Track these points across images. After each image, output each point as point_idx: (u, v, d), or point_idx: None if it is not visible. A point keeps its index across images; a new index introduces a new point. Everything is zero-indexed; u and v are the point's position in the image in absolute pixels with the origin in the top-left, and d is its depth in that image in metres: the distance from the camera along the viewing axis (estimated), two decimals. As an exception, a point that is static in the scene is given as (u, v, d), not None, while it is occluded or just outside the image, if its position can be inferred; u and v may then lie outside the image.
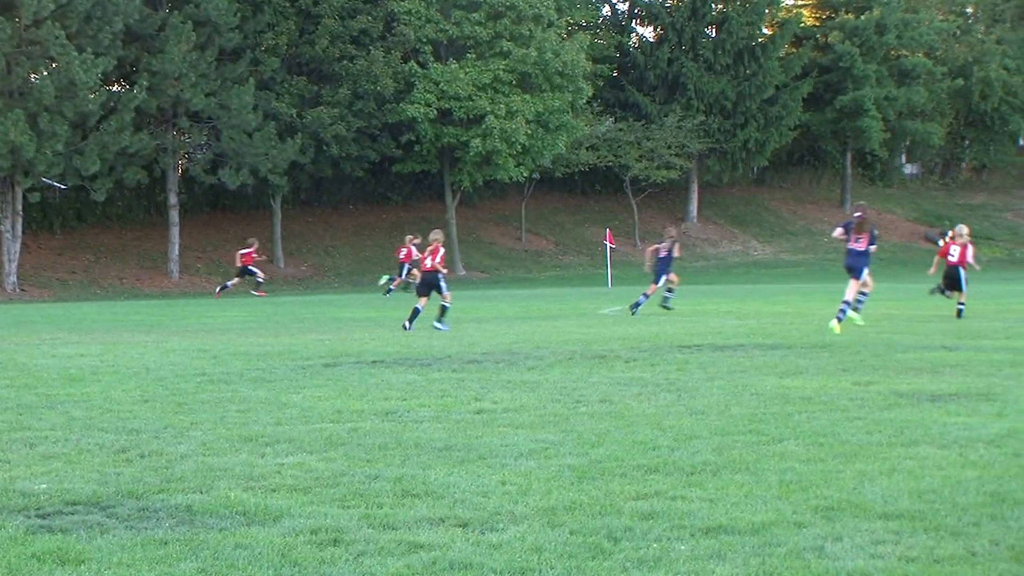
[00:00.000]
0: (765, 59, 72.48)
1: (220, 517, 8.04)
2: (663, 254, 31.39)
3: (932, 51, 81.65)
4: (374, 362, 18.11)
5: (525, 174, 62.91)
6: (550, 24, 62.80)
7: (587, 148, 67.82)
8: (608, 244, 56.03)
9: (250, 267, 47.41)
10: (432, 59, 61.23)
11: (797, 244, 75.53)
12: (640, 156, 68.89)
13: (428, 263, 26.12)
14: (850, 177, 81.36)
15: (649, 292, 31.32)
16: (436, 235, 26.46)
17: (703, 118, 70.71)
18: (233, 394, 14.36)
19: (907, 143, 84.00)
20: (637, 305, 30.46)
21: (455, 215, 64.88)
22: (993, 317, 26.66)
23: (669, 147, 68.94)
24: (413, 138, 61.05)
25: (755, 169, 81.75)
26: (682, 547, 7.14)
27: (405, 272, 45.42)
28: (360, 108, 60.78)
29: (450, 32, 60.48)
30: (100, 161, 52.24)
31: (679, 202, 76.85)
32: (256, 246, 48.29)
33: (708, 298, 39.44)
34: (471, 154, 59.87)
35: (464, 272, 64.00)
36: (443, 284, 25.92)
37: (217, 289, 49.48)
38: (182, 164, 62.24)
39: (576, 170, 69.30)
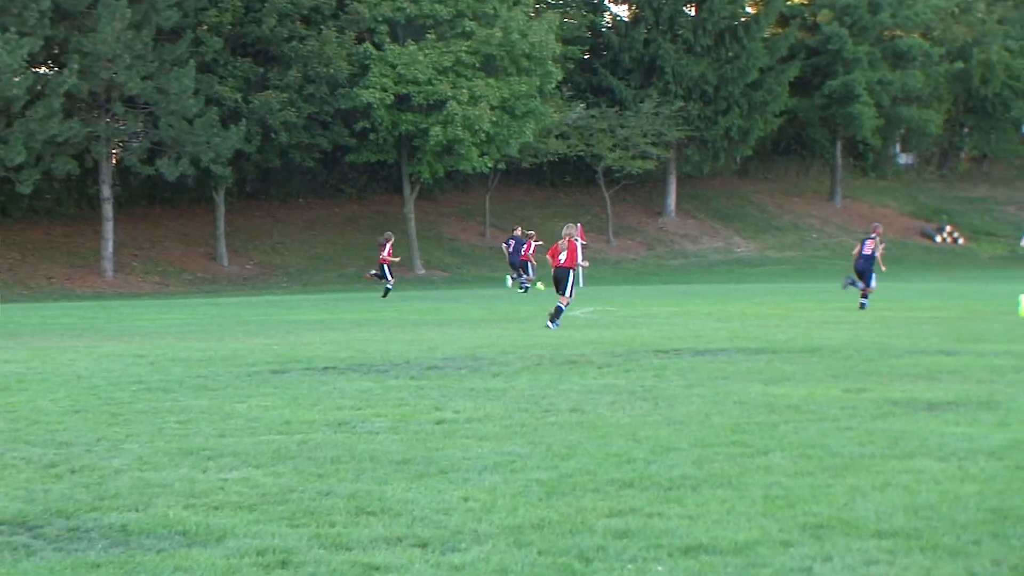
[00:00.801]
0: (749, 40, 72.65)
1: (158, 537, 8.01)
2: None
3: (929, 31, 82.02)
4: (326, 368, 18.08)
5: (489, 165, 62.90)
6: (516, 2, 62.83)
7: (557, 136, 67.87)
8: (579, 240, 56.08)
9: (384, 267, 46.41)
10: (389, 40, 61.14)
11: (783, 240, 75.79)
12: (614, 145, 68.98)
13: (563, 258, 27.19)
14: (840, 168, 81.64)
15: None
16: (570, 229, 27.89)
17: (682, 104, 70.83)
18: (172, 403, 14.32)
19: (902, 131, 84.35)
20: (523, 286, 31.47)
21: (414, 209, 64.81)
22: (994, 319, 26.81)
23: (645, 135, 69.03)
24: (368, 125, 60.95)
25: (738, 159, 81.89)
26: (659, 568, 7.15)
27: (530, 269, 47.32)
28: (311, 93, 60.67)
29: (408, 11, 60.40)
30: (26, 151, 52.01)
31: (656, 195, 76.99)
32: (391, 241, 47.32)
33: (688, 299, 39.54)
34: (431, 143, 59.81)
35: (424, 271, 63.97)
36: (570, 284, 27.09)
37: (371, 272, 47.71)
38: (116, 154, 61.97)
39: (545, 160, 69.34)
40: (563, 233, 27.91)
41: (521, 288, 43.40)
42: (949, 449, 10.57)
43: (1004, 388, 14.60)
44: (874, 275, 31.94)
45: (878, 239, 32.37)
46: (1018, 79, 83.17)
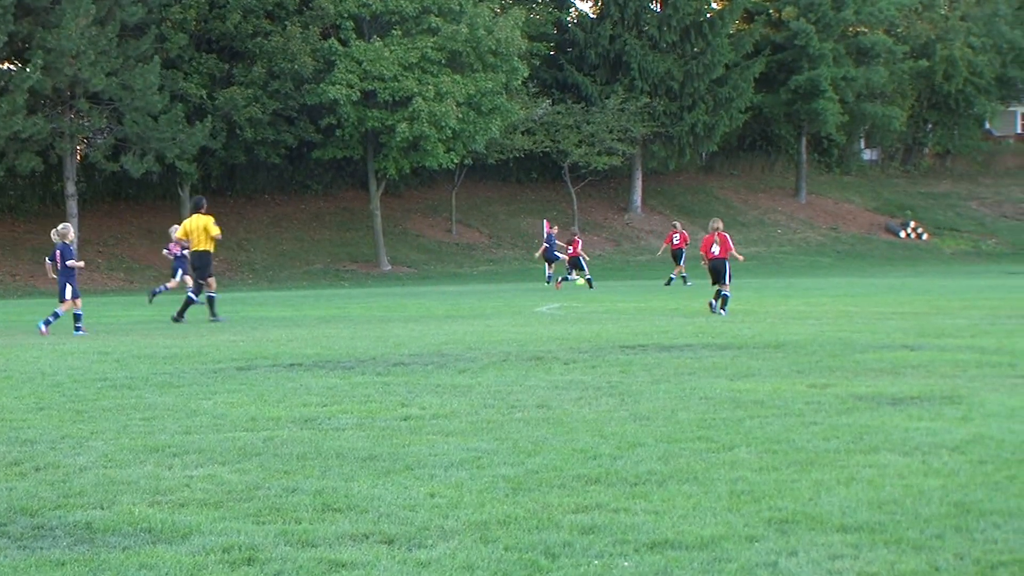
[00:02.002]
0: (714, 36, 72.80)
1: (123, 535, 7.98)
2: None
3: (893, 28, 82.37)
4: (292, 365, 18.05)
5: (456, 161, 62.87)
6: (482, -2, 62.85)
7: (523, 132, 67.89)
8: (546, 234, 56.04)
9: (579, 258, 47.48)
10: (354, 36, 61.05)
11: (749, 236, 75.92)
12: (580, 141, 69.03)
13: (716, 250, 28.94)
14: (805, 163, 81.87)
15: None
16: (717, 223, 29.70)
17: (647, 100, 70.93)
18: (137, 400, 14.27)
19: (866, 127, 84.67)
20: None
21: (379, 205, 64.71)
22: (958, 314, 26.93)
23: (611, 131, 69.11)
24: (334, 121, 60.83)
25: (703, 155, 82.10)
26: (625, 564, 7.16)
27: (583, 265, 47.35)
28: (276, 89, 60.53)
29: (373, 7, 60.32)
30: (-11, 147, 51.70)
31: (622, 191, 77.09)
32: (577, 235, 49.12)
33: (654, 295, 39.60)
34: (397, 139, 59.73)
35: (390, 267, 63.89)
36: (728, 273, 28.74)
37: (559, 280, 47.58)
38: (81, 150, 61.68)
39: (511, 156, 69.34)
40: (711, 227, 29.51)
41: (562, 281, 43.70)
42: (913, 444, 10.61)
43: (967, 383, 14.67)
44: None
45: None
46: (980, 76, 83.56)
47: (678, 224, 49.59)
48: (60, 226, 26.96)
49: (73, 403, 14.13)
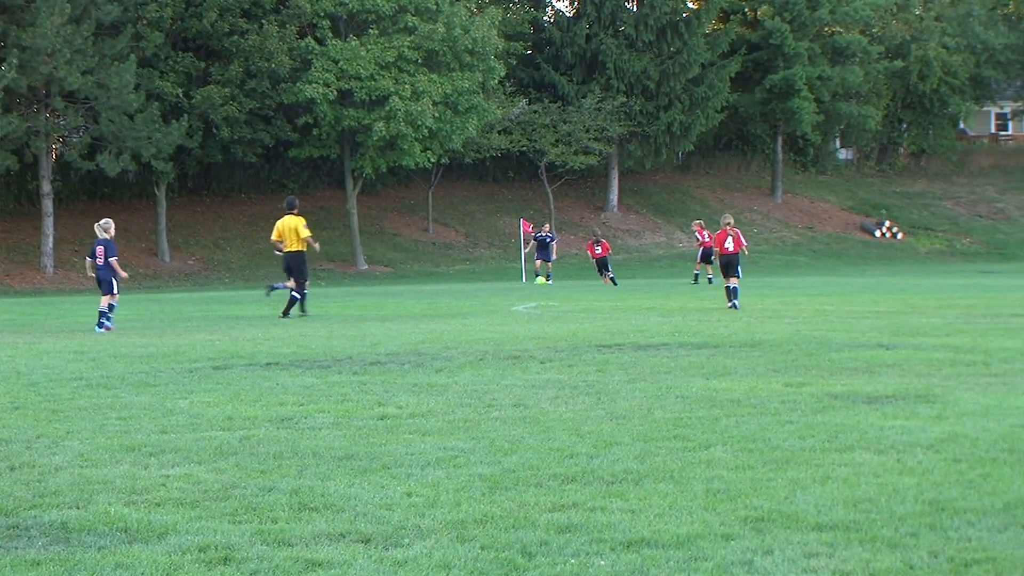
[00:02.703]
0: (690, 35, 72.90)
1: (99, 534, 7.96)
2: None
3: (868, 28, 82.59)
4: (268, 364, 18.02)
5: (432, 160, 62.85)
6: (458, -3, 62.84)
7: (499, 132, 67.88)
8: (523, 234, 56.11)
9: (605, 258, 48.49)
10: (331, 35, 60.99)
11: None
12: (556, 140, 69.05)
13: (730, 246, 30.68)
14: (781, 163, 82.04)
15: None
16: (728, 218, 31.91)
17: (624, 99, 70.98)
18: (113, 400, 14.23)
19: (841, 127, 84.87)
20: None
21: (356, 204, 64.66)
22: (932, 313, 27.02)
23: (587, 131, 69.15)
24: (311, 120, 60.77)
25: (680, 154, 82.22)
26: (602, 562, 7.16)
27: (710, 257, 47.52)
28: (253, 87, 60.44)
29: (350, 5, 60.26)
30: (-35, 146, 51.51)
31: (598, 190, 77.14)
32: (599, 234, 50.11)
33: (630, 293, 39.64)
34: (374, 138, 59.69)
35: (366, 266, 63.83)
36: (739, 267, 30.67)
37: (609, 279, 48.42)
38: (56, 149, 61.48)
39: (487, 155, 69.33)
40: (723, 223, 31.50)
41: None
42: (888, 442, 10.64)
43: (941, 382, 14.72)
44: None
45: None
46: (955, 76, 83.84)
47: (702, 222, 49.10)
48: (103, 221, 27.76)
49: (49, 402, 14.09)
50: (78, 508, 8.67)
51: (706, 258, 45.98)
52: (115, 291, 26.74)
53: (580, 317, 27.89)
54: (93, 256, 27.06)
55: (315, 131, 61.39)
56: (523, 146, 69.01)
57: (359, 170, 63.10)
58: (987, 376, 15.24)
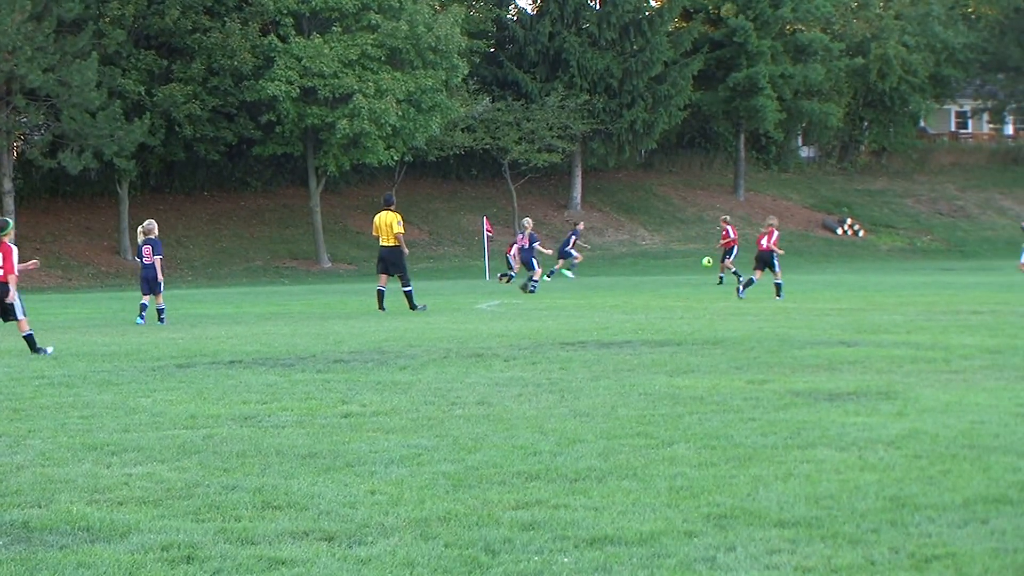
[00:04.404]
0: (653, 34, 72.97)
1: (60, 534, 7.93)
2: None
3: (829, 26, 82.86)
4: (231, 362, 17.97)
5: (396, 158, 62.77)
6: (422, -5, 62.78)
7: (463, 130, 67.83)
8: (486, 233, 56.12)
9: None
10: (294, 32, 60.83)
11: (688, 233, 76.24)
12: (520, 138, 69.05)
13: (764, 243, 33.18)
14: (744, 161, 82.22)
15: None
16: (773, 220, 34.41)
17: (587, 97, 71.03)
18: (75, 398, 14.17)
19: (804, 124, 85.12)
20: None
21: (319, 202, 64.54)
22: (893, 310, 27.14)
23: (551, 128, 69.17)
24: (274, 118, 60.61)
25: (643, 152, 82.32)
26: (565, 559, 7.17)
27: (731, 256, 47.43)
28: (215, 85, 60.26)
29: (313, 3, 60.13)
30: (-75, 143, 51.17)
31: (562, 188, 77.18)
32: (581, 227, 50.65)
33: (593, 291, 39.67)
34: (337, 136, 59.58)
35: (330, 264, 63.72)
36: (776, 263, 33.13)
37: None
38: (17, 147, 61.15)
39: (451, 153, 69.29)
40: (767, 223, 34.12)
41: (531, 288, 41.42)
42: (849, 439, 10.68)
43: (902, 378, 14.79)
44: None
45: None
46: (915, 74, 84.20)
47: (728, 218, 48.49)
48: (146, 222, 28.36)
49: (10, 401, 14.02)
50: (40, 507, 8.63)
51: (728, 255, 45.84)
52: (161, 291, 27.89)
53: (543, 315, 27.90)
54: (140, 256, 28.10)
55: (278, 129, 61.23)
56: (486, 144, 68.98)
57: (322, 168, 62.98)
58: (947, 373, 15.32)
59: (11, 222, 21.54)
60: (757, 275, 33.66)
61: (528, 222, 44.14)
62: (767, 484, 8.97)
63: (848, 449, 10.25)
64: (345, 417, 12.46)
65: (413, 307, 29.74)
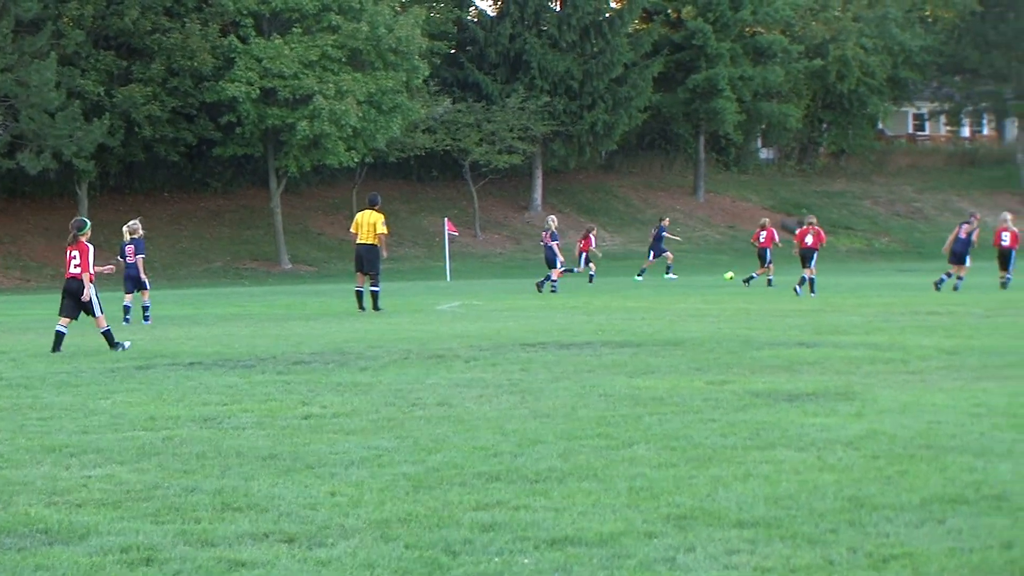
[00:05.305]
0: (613, 35, 73.08)
1: (19, 536, 7.89)
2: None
3: (789, 28, 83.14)
4: (191, 364, 17.91)
5: (356, 159, 62.67)
6: (382, -4, 62.70)
7: (423, 131, 67.76)
8: (448, 233, 56.03)
9: (586, 252, 48.24)
10: (254, 33, 60.65)
11: (648, 234, 76.23)
12: (480, 140, 69.04)
13: (808, 240, 36.41)
14: (703, 162, 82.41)
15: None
16: (811, 218, 38.04)
17: (547, 99, 71.07)
18: (34, 400, 14.09)
19: (763, 126, 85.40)
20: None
21: (280, 203, 64.36)
22: (852, 311, 27.26)
23: (511, 130, 69.20)
24: (234, 119, 60.42)
25: (603, 154, 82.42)
26: (525, 560, 7.17)
27: (584, 262, 48.20)
28: (175, 86, 60.02)
29: (273, 4, 59.96)
30: None
31: (522, 189, 77.19)
32: (594, 231, 50.06)
33: (554, 293, 39.68)
34: (298, 137, 59.44)
35: (290, 265, 63.56)
36: (814, 260, 36.29)
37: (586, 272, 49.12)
38: (-24, 147, 60.73)
39: (412, 155, 69.20)
40: (806, 221, 37.80)
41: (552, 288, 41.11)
42: (808, 439, 10.72)
43: (861, 379, 14.86)
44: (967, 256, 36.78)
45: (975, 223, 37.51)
46: (873, 76, 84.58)
47: (767, 220, 47.78)
48: (132, 222, 29.41)
49: (-32, 403, 13.93)
50: (-2, 510, 8.59)
51: (762, 259, 45.19)
52: (146, 287, 28.56)
53: (504, 316, 27.91)
54: (123, 255, 28.63)
55: (238, 130, 61.04)
56: (447, 145, 68.94)
57: (283, 169, 62.81)
58: (905, 373, 15.40)
59: (88, 222, 21.52)
60: (811, 272, 36.23)
61: (552, 220, 43.85)
62: (727, 485, 8.99)
63: (807, 450, 10.29)
64: (305, 419, 12.43)
65: (377, 308, 29.75)
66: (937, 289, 35.54)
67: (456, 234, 57.21)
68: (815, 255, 36.47)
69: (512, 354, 18.46)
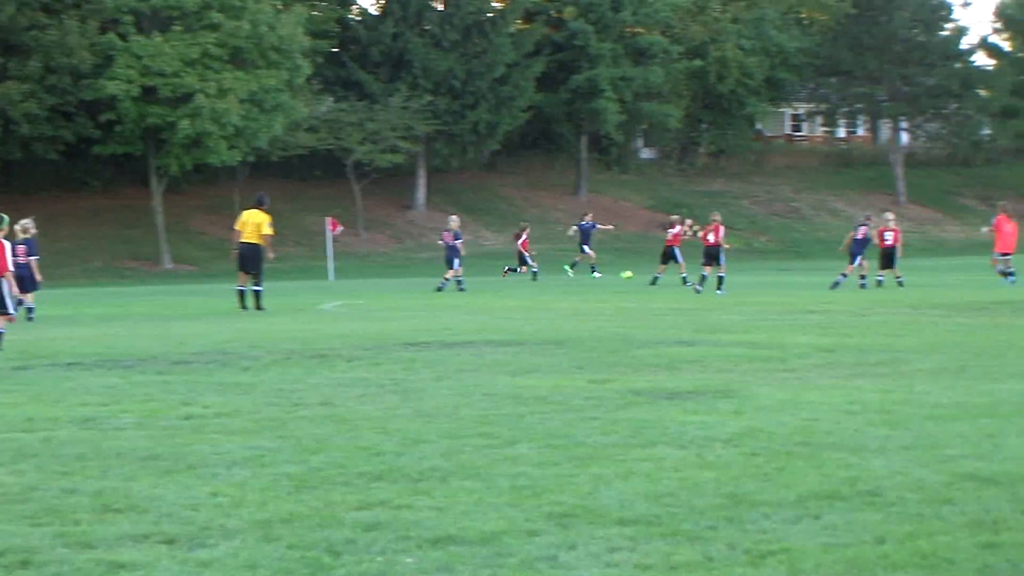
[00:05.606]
0: (495, 35, 73.26)
1: None
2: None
3: (669, 29, 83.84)
4: (70, 364, 17.67)
5: (238, 158, 62.22)
6: (264, -6, 62.32)
7: (306, 130, 67.46)
8: (331, 232, 55.80)
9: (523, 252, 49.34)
10: (134, 31, 59.98)
11: (531, 233, 76.45)
12: (363, 139, 68.87)
13: (711, 238, 37.17)
14: (585, 162, 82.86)
15: None
16: (717, 216, 38.76)
17: (430, 98, 71.07)
18: (-92, 402, 13.84)
19: (644, 126, 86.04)
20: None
21: (161, 202, 63.70)
22: (731, 310, 27.54)
23: (394, 129, 69.09)
24: (114, 117, 59.75)
25: (486, 153, 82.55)
26: (408, 560, 7.16)
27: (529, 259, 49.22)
28: (53, 84, 59.18)
29: (153, 1, 59.32)
30: None
31: (405, 188, 77.08)
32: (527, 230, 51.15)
33: (437, 292, 39.67)
34: (179, 136, 58.90)
35: (172, 265, 62.95)
36: (723, 258, 37.27)
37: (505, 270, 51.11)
38: None
39: (294, 154, 68.85)
40: (711, 219, 38.46)
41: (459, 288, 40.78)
42: (688, 437, 10.81)
43: (740, 377, 15.01)
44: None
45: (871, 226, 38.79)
46: (751, 77, 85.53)
47: (719, 217, 46.89)
48: (24, 220, 29.23)
49: None
50: None
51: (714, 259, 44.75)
52: (35, 289, 28.46)
53: (387, 315, 27.86)
54: (15, 255, 27.31)
55: (118, 128, 60.35)
56: (330, 144, 68.69)
57: (164, 168, 62.20)
58: (783, 371, 15.58)
59: (7, 218, 21.02)
60: (707, 270, 37.24)
61: (454, 220, 43.75)
62: (608, 482, 9.04)
63: (687, 447, 10.37)
64: (187, 419, 12.32)
65: (260, 307, 29.59)
66: (833, 288, 36.18)
67: (338, 232, 56.93)
68: (720, 251, 37.34)
69: (395, 353, 18.43)
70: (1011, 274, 38.46)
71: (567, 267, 51.43)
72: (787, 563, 7.00)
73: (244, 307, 29.75)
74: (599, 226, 52.76)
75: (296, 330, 23.47)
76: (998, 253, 39.38)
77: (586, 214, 54.93)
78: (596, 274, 50.01)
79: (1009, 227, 39.49)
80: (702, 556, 7.17)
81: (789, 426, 11.31)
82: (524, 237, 49.76)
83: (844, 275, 37.16)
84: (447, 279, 40.45)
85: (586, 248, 51.14)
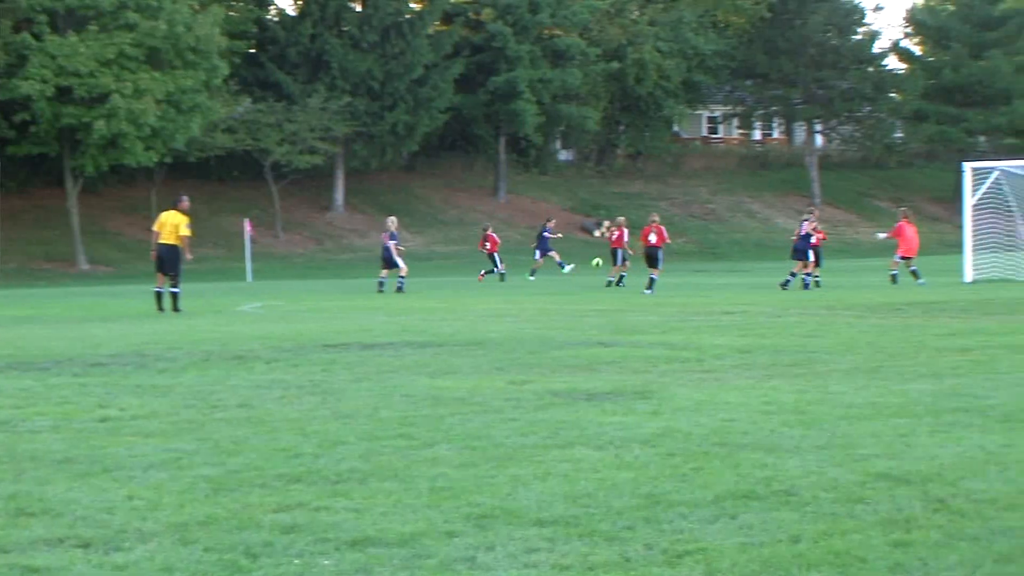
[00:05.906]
0: (414, 36, 73.22)
1: None
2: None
3: (587, 32, 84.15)
4: (-16, 367, 17.46)
5: (155, 159, 61.76)
6: (182, -6, 61.89)
7: (224, 131, 67.11)
8: (248, 234, 55.53)
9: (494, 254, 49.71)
10: (49, 30, 59.37)
11: (449, 235, 76.55)
12: (282, 140, 68.60)
13: (653, 239, 37.29)
14: (504, 163, 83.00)
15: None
16: (655, 217, 39.68)
17: (349, 99, 70.91)
18: None
19: (562, 128, 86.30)
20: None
21: (77, 203, 63.09)
22: (650, 311, 27.67)
23: (313, 130, 68.87)
24: (28, 117, 59.13)
25: (405, 154, 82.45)
26: (326, 562, 7.14)
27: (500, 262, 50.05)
28: (-34, 84, 58.51)
29: (68, 0, 58.73)
30: None
31: (324, 190, 76.85)
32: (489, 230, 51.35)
33: (356, 293, 39.59)
34: (95, 136, 58.38)
35: (88, 266, 62.36)
36: (660, 260, 37.57)
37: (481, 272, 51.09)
38: None
39: (212, 155, 68.45)
40: (650, 220, 38.98)
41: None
42: (606, 438, 10.84)
43: (658, 378, 15.07)
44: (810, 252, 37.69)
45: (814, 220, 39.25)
46: (668, 79, 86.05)
47: (622, 219, 47.43)
48: None
49: None
50: None
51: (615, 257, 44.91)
52: None
53: (306, 317, 27.76)
54: None
55: (33, 128, 59.74)
56: (248, 145, 68.35)
57: (80, 168, 61.64)
58: (700, 372, 15.67)
59: None
60: (656, 272, 37.04)
61: (392, 221, 43.59)
62: (526, 483, 9.05)
63: (605, 448, 10.40)
64: (103, 421, 12.20)
65: (177, 309, 29.43)
66: (783, 288, 36.54)
67: (253, 235, 56.70)
68: (660, 252, 37.51)
69: (314, 355, 18.37)
70: (896, 277, 39.31)
71: (529, 276, 51.13)
72: (704, 563, 7.04)
73: (162, 309, 29.57)
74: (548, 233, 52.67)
75: (214, 332, 23.33)
76: (900, 256, 40.07)
77: (550, 219, 55.03)
78: (531, 277, 50.18)
79: (911, 231, 40.30)
80: (619, 556, 7.19)
81: (706, 427, 11.37)
82: (491, 236, 50.00)
83: (793, 274, 37.37)
84: (384, 277, 40.54)
85: (538, 255, 51.18)
